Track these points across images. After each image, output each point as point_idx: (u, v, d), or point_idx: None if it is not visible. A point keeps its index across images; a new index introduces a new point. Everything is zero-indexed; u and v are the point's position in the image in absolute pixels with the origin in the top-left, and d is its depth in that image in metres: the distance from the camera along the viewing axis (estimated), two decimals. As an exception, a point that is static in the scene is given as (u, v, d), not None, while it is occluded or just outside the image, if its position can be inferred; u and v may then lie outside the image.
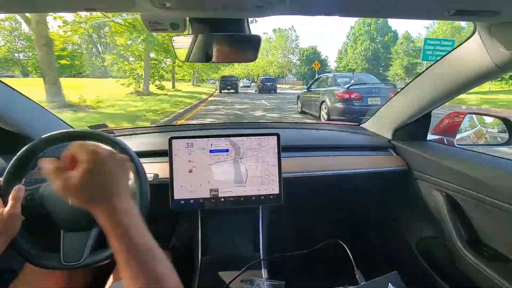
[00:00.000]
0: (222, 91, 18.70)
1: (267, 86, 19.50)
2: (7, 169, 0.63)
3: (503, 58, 0.63)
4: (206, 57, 0.67)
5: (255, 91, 21.63)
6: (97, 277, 0.91)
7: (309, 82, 8.63)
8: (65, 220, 0.64)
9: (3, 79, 0.85)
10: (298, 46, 50.45)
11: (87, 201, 0.40)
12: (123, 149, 0.67)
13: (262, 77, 23.09)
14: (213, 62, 0.72)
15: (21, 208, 0.61)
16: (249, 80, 44.25)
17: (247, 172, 0.85)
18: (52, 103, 6.92)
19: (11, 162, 0.63)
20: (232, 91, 18.52)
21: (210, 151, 0.84)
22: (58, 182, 0.39)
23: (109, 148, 0.45)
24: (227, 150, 0.84)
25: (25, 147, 0.64)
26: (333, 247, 0.80)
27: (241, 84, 28.54)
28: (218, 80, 24.50)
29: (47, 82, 7.13)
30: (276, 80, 22.91)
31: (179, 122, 6.96)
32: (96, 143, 0.48)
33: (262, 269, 0.83)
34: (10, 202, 0.56)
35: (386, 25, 39.94)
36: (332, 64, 51.48)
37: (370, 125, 1.28)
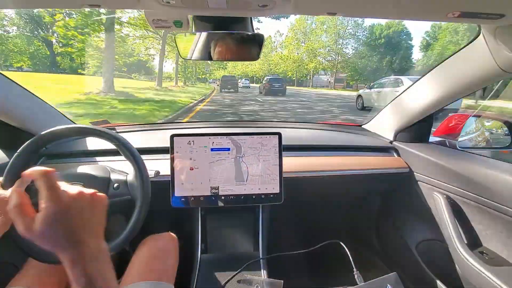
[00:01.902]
0: (222, 90, 18.71)
1: (275, 88, 16.53)
2: (9, 164, 0.63)
3: (507, 61, 0.63)
4: (209, 56, 0.67)
5: (260, 92, 18.19)
6: None
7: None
8: None
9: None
10: (361, 25, 34.98)
11: (51, 246, 0.37)
12: (124, 146, 0.68)
13: (268, 77, 19.16)
14: (215, 61, 0.72)
15: None
16: (248, 80, 38.46)
17: (248, 170, 0.85)
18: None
19: (14, 156, 0.63)
20: (232, 90, 18.52)
21: (212, 149, 0.84)
22: (19, 222, 0.37)
23: (78, 187, 0.42)
24: (228, 149, 0.84)
25: (27, 142, 0.64)
26: (333, 247, 0.81)
27: (240, 84, 26.80)
28: (219, 80, 24.57)
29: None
30: (285, 81, 19.64)
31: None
32: (63, 182, 0.44)
33: (261, 268, 0.84)
34: (16, 184, 0.52)
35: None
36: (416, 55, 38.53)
37: (371, 126, 1.28)
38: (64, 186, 0.41)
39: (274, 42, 49.89)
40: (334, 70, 37.96)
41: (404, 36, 35.51)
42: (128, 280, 0.68)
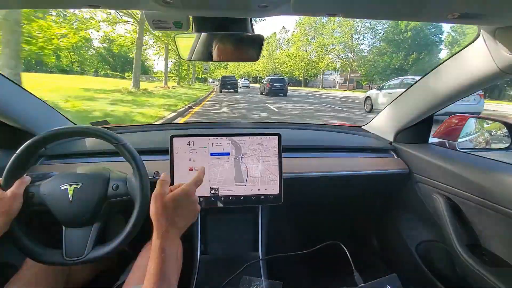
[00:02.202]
0: (222, 90, 18.69)
1: (277, 88, 16.17)
2: (8, 164, 0.63)
3: (507, 62, 0.63)
4: (209, 56, 0.67)
5: (261, 93, 17.92)
6: (98, 275, 0.91)
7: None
8: (66, 216, 0.64)
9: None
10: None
11: (157, 216, 0.51)
12: (124, 146, 0.67)
13: (270, 77, 18.31)
14: (215, 61, 0.72)
15: (23, 205, 0.61)
16: (248, 80, 36.82)
17: (247, 171, 0.85)
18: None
19: (13, 157, 0.63)
20: (231, 90, 18.53)
21: (211, 154, 0.84)
22: (158, 190, 0.54)
23: (196, 198, 0.57)
24: (227, 154, 0.84)
25: (27, 142, 0.64)
26: (332, 248, 0.80)
27: (240, 84, 26.40)
28: (218, 80, 24.38)
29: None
30: (286, 81, 18.36)
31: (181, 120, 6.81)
32: (195, 188, 0.57)
33: (261, 269, 0.84)
34: (14, 185, 0.61)
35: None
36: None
37: (371, 127, 1.28)
38: (190, 189, 0.56)
39: (279, 39, 47.15)
40: (349, 69, 33.98)
41: (434, 29, 30.00)
42: (132, 282, 0.68)
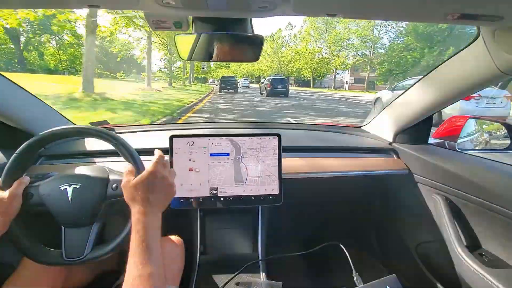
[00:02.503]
0: (222, 91, 18.65)
1: (278, 89, 15.89)
2: (7, 164, 0.63)
3: (506, 63, 0.63)
4: (209, 56, 0.67)
5: (261, 93, 17.63)
6: (96, 275, 0.91)
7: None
8: (65, 216, 0.64)
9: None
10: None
11: (131, 199, 0.55)
12: (123, 146, 0.67)
13: (271, 77, 18.14)
14: (215, 61, 0.72)
15: (22, 205, 0.61)
16: (248, 80, 35.69)
17: (247, 172, 0.85)
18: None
19: (12, 157, 0.63)
20: (231, 90, 18.49)
21: (211, 155, 0.84)
22: (124, 180, 0.57)
23: (166, 173, 0.59)
24: (227, 154, 0.84)
25: (26, 142, 0.64)
26: (332, 249, 0.80)
27: (239, 84, 25.99)
28: (218, 80, 24.16)
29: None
30: (288, 82, 17.99)
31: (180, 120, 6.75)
32: (160, 165, 0.59)
33: (261, 270, 0.83)
34: (14, 185, 0.61)
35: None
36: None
37: (371, 127, 1.28)
38: (160, 168, 0.58)
39: (285, 36, 42.69)
40: (367, 68, 29.22)
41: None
42: None
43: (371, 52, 29.21)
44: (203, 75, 37.15)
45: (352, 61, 31.37)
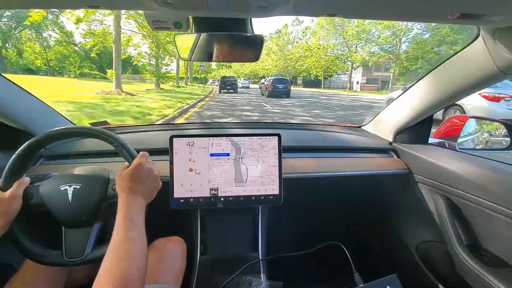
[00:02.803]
0: (222, 91, 18.68)
1: (279, 89, 15.38)
2: (8, 165, 0.63)
3: (506, 62, 0.63)
4: (209, 56, 0.67)
5: (262, 94, 17.16)
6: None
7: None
8: (66, 216, 0.64)
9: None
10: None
11: (119, 189, 0.59)
12: (123, 147, 0.67)
13: (272, 77, 17.48)
14: (215, 62, 0.72)
15: (22, 206, 0.61)
16: (248, 80, 34.47)
17: (247, 172, 0.85)
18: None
19: (12, 157, 0.63)
20: (231, 91, 18.52)
21: (211, 155, 0.84)
22: (119, 172, 0.62)
23: (151, 165, 0.63)
24: (227, 154, 0.84)
25: (27, 142, 0.64)
26: (332, 249, 0.80)
27: (239, 84, 25.49)
28: (218, 80, 23.88)
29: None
30: (289, 82, 17.22)
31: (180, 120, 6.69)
32: (144, 159, 0.63)
33: (261, 270, 0.83)
34: (14, 185, 0.62)
35: None
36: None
37: (371, 127, 1.28)
38: (145, 161, 0.62)
39: (292, 32, 39.20)
40: (392, 65, 24.97)
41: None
42: None
43: (398, 47, 24.37)
44: (203, 75, 34.29)
45: (376, 57, 25.93)
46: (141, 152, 0.64)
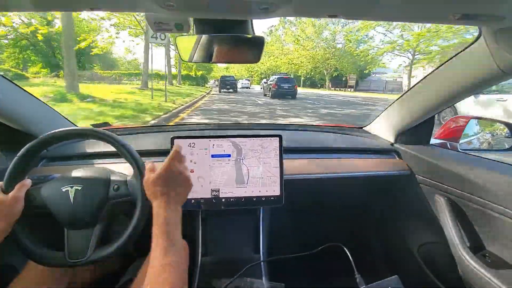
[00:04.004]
0: (221, 90, 18.81)
1: (284, 90, 13.89)
2: (10, 167, 0.63)
3: (508, 63, 0.63)
4: (210, 58, 0.67)
5: (265, 94, 15.73)
6: (100, 276, 0.91)
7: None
8: (68, 218, 0.64)
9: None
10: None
11: (151, 195, 0.58)
12: (125, 147, 0.67)
13: (276, 76, 15.63)
14: (216, 63, 0.72)
15: (24, 208, 0.62)
16: (249, 80, 31.57)
17: (248, 173, 0.85)
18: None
19: (14, 159, 0.63)
20: (230, 90, 18.65)
21: (212, 156, 0.84)
22: (145, 176, 0.59)
23: (182, 167, 0.60)
24: (229, 155, 0.84)
25: (28, 144, 0.64)
26: (334, 250, 0.80)
27: (239, 85, 24.78)
28: (217, 80, 23.11)
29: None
30: (295, 81, 15.32)
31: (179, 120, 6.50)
32: (176, 161, 0.60)
33: (262, 271, 0.83)
34: (16, 187, 0.62)
35: None
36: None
37: (372, 128, 1.27)
38: (176, 164, 0.59)
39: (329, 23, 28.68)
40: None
41: None
42: (141, 283, 0.68)
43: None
44: (200, 73, 27.02)
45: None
46: (173, 150, 0.60)
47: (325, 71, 30.26)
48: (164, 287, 0.45)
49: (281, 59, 32.83)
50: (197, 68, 25.83)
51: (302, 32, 29.87)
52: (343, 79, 30.82)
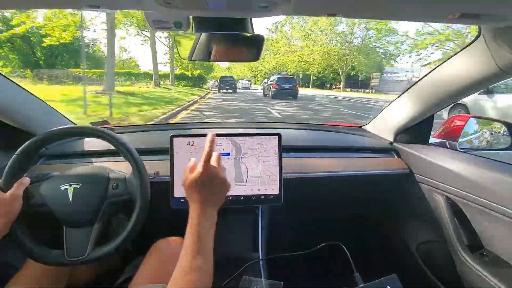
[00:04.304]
0: (221, 90, 18.96)
1: (285, 90, 13.49)
2: (8, 165, 0.63)
3: (508, 62, 0.63)
4: (209, 56, 0.67)
5: (265, 95, 15.37)
6: (99, 274, 0.91)
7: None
8: (67, 216, 0.64)
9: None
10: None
11: (187, 197, 0.57)
12: (124, 146, 0.67)
13: (276, 75, 15.13)
14: (215, 61, 0.72)
15: (23, 206, 0.61)
16: (249, 80, 30.38)
17: (247, 171, 0.85)
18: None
19: (12, 157, 0.63)
20: (230, 90, 18.80)
21: None
22: (184, 176, 0.58)
23: (217, 170, 0.58)
24: (228, 154, 0.84)
25: (27, 142, 0.64)
26: (333, 248, 0.80)
27: (239, 85, 24.79)
28: (217, 80, 22.86)
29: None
30: (296, 81, 14.99)
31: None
32: (216, 165, 0.58)
33: (261, 269, 0.83)
34: (14, 186, 0.61)
35: None
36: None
37: (371, 127, 1.27)
38: (216, 167, 0.57)
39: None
40: None
41: None
42: (139, 282, 0.68)
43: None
44: (197, 72, 23.24)
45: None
46: (204, 152, 0.57)
47: (340, 70, 26.10)
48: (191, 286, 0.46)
49: (288, 56, 29.19)
50: (193, 66, 22.23)
51: (314, 24, 26.59)
52: (359, 78, 27.23)
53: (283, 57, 30.15)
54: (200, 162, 0.56)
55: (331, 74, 28.53)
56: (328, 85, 30.95)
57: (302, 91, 19.96)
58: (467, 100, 5.71)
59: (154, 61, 16.28)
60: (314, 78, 30.62)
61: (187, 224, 0.54)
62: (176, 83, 20.46)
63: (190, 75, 22.63)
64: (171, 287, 0.47)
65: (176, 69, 22.20)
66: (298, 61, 28.54)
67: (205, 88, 22.63)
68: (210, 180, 0.56)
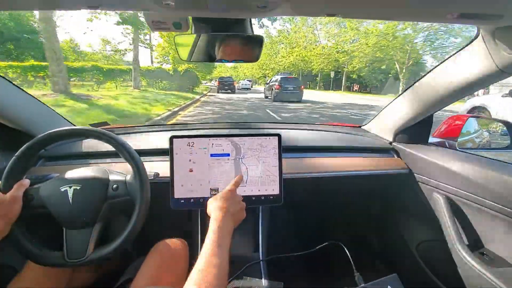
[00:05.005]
0: (220, 91, 19.05)
1: (289, 91, 12.13)
2: (7, 166, 0.63)
3: (506, 61, 0.63)
4: (209, 57, 0.67)
5: (266, 97, 14.19)
6: (99, 275, 0.91)
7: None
8: (66, 217, 0.64)
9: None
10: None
11: (212, 208, 0.66)
12: (123, 147, 0.67)
13: (279, 76, 13.64)
14: (214, 62, 0.72)
15: (23, 207, 0.61)
16: (250, 81, 27.91)
17: (247, 172, 0.85)
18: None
19: (12, 159, 0.63)
20: (229, 91, 18.92)
21: (211, 155, 0.84)
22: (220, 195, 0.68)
23: (236, 195, 0.70)
24: (228, 155, 0.84)
25: (27, 144, 0.64)
26: (333, 248, 0.80)
27: (239, 86, 24.75)
28: (216, 80, 22.71)
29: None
30: (301, 82, 13.47)
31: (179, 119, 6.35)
32: (230, 187, 0.70)
33: (261, 270, 0.83)
34: (14, 187, 0.62)
35: None
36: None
37: (371, 127, 1.28)
38: (235, 193, 0.71)
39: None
40: None
41: None
42: (140, 284, 0.68)
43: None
44: (182, 69, 15.50)
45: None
46: (235, 179, 0.73)
47: (397, 67, 18.27)
48: (206, 281, 0.49)
49: (312, 49, 21.66)
50: (177, 62, 15.25)
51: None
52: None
53: (305, 50, 23.23)
54: (230, 184, 0.71)
55: (380, 76, 20.54)
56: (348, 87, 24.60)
57: (328, 94, 15.37)
58: (490, 103, 5.32)
59: (135, 56, 11.87)
60: (355, 76, 21.34)
61: (208, 230, 0.60)
62: (155, 82, 14.66)
63: (172, 73, 15.36)
64: (194, 275, 0.50)
65: (157, 64, 16.09)
66: (338, 52, 20.34)
67: (198, 92, 16.63)
68: (234, 199, 0.67)
